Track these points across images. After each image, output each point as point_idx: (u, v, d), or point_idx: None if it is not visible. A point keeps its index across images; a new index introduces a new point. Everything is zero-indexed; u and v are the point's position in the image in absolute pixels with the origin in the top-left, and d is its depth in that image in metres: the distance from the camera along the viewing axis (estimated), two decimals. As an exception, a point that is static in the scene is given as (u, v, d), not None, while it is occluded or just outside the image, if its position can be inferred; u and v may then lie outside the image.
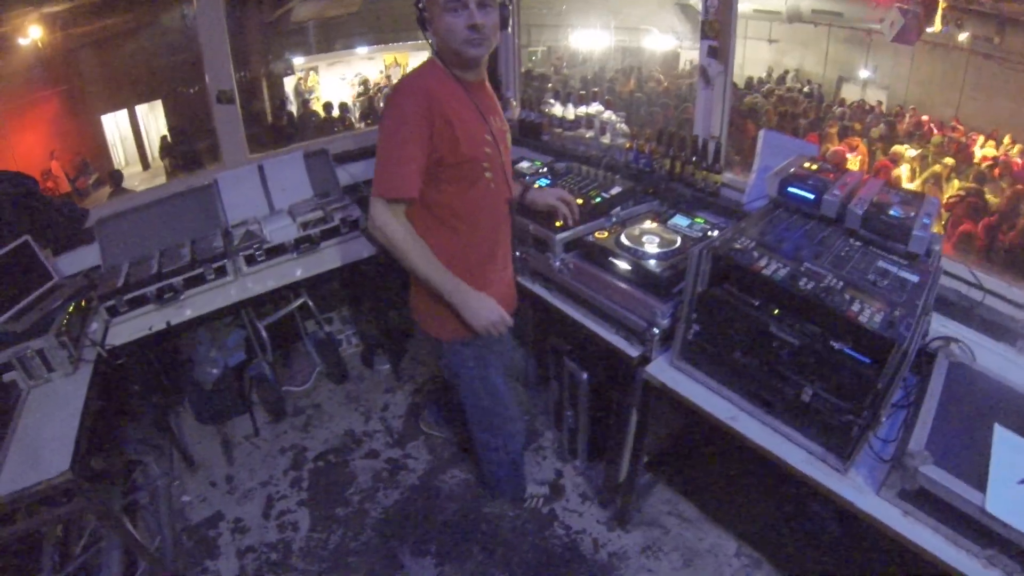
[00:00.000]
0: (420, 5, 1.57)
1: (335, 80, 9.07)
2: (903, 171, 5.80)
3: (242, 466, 2.80)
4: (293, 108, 8.43)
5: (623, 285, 1.90)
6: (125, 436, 2.77)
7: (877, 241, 1.62)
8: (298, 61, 8.42)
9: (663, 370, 1.78)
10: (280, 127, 7.21)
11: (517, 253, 2.17)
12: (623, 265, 1.92)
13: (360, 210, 2.93)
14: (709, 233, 2.06)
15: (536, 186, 2.24)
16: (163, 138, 7.84)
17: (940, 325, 1.76)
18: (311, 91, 9.05)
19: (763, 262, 1.51)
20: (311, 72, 8.80)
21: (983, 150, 6.55)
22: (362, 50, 9.17)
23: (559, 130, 3.11)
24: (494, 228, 1.83)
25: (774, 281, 1.46)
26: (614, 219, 2.20)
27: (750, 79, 9.15)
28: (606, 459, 2.36)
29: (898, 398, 1.58)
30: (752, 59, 9.81)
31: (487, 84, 1.79)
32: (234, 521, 2.53)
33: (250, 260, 2.65)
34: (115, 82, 7.56)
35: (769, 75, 9.57)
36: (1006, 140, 6.70)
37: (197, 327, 2.79)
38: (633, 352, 1.87)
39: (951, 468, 1.26)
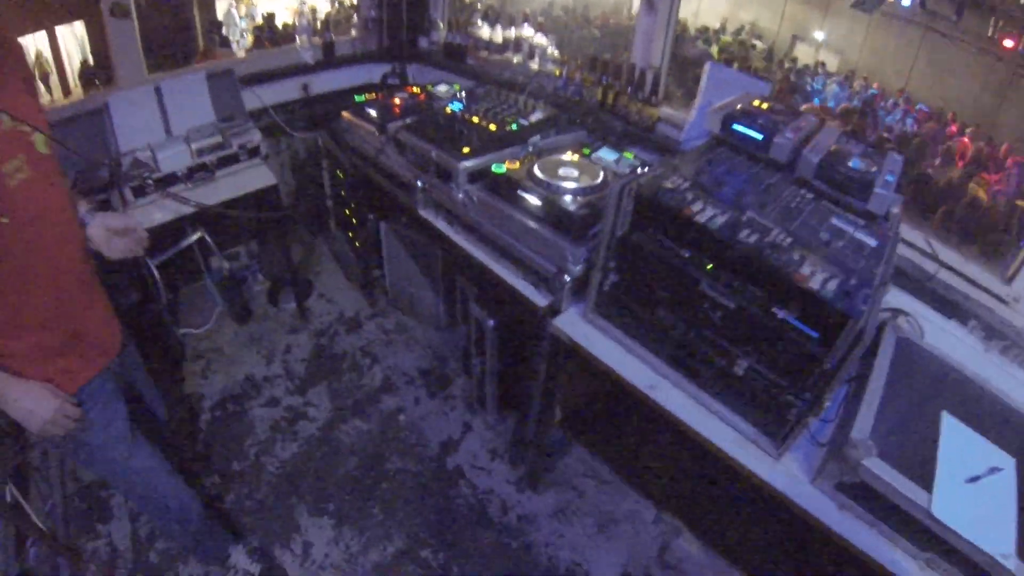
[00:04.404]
0: None
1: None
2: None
3: (132, 418, 2.54)
4: (229, 31, 7.87)
5: (532, 223, 1.68)
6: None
7: (832, 195, 1.43)
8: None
9: (574, 323, 1.61)
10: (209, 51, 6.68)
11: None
12: (533, 200, 1.69)
13: (263, 136, 2.64)
14: (639, 171, 1.83)
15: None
16: (83, 62, 7.23)
17: (890, 296, 1.63)
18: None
19: (697, 206, 1.30)
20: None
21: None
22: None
23: (485, 53, 2.88)
24: (32, 287, 1.22)
25: (709, 230, 1.25)
26: (530, 148, 1.96)
27: (704, 28, 9.02)
28: (517, 413, 2.20)
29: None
30: (707, 9, 9.74)
31: None
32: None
33: (138, 191, 2.34)
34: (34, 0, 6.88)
35: (723, 27, 9.48)
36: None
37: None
38: (541, 301, 1.69)
39: (895, 460, 1.14)
